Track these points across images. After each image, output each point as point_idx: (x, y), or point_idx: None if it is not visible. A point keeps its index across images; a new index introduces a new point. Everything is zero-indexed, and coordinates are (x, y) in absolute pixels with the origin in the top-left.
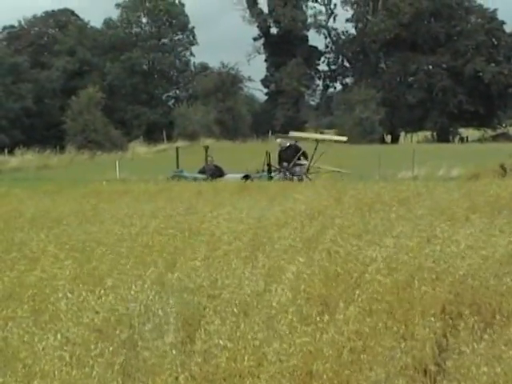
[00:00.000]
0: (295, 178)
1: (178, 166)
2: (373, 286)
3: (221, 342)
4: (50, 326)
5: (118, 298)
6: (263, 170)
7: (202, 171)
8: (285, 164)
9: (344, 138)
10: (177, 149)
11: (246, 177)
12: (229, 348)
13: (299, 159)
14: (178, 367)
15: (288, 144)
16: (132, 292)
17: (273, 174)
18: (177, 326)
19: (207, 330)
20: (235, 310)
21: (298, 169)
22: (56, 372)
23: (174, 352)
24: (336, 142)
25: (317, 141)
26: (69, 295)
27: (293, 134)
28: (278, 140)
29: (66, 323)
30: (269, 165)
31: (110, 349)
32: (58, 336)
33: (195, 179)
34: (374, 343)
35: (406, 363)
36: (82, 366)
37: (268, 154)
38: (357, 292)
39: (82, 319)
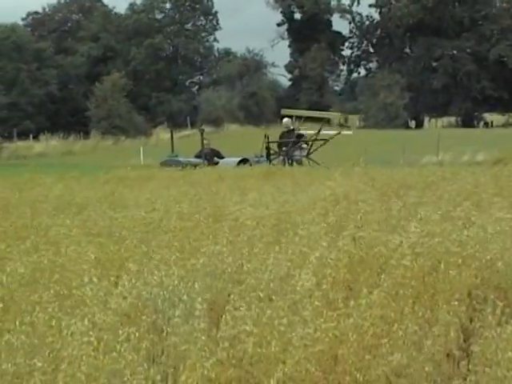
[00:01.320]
0: (295, 162)
1: (172, 150)
2: (398, 271)
3: (247, 327)
4: (76, 311)
5: (143, 283)
6: (261, 155)
7: (198, 155)
8: (284, 148)
9: (350, 132)
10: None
11: (244, 161)
12: (255, 333)
13: (300, 145)
14: (205, 352)
15: (292, 127)
16: (157, 277)
17: (272, 158)
18: (202, 311)
19: (233, 315)
20: (260, 294)
21: (297, 152)
22: (84, 357)
23: (200, 337)
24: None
25: (318, 119)
26: (94, 280)
27: (298, 111)
28: (285, 120)
29: (92, 308)
30: (267, 148)
31: (137, 334)
32: (85, 321)
33: (190, 164)
34: (396, 328)
35: (430, 348)
36: (109, 351)
37: (267, 137)
38: (382, 277)
39: (109, 304)
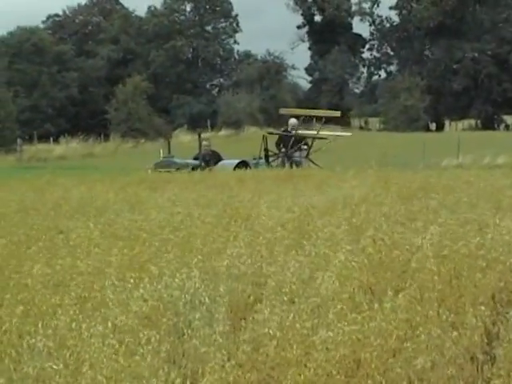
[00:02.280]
0: (294, 164)
1: (169, 151)
2: (422, 274)
3: (268, 330)
4: (98, 314)
5: (164, 286)
6: (260, 157)
7: (196, 157)
8: (283, 150)
9: (348, 134)
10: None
11: (243, 163)
12: (276, 336)
13: (299, 146)
14: (224, 355)
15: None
16: (178, 280)
17: (270, 160)
18: (224, 313)
19: (254, 318)
20: (283, 297)
21: (297, 154)
22: (104, 360)
23: (220, 340)
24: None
25: (315, 118)
26: (116, 283)
27: (297, 111)
28: (292, 121)
29: (113, 311)
30: (266, 149)
31: (157, 337)
32: (108, 323)
33: (187, 165)
34: (419, 332)
35: (453, 351)
36: (130, 354)
37: (265, 138)
38: (406, 280)
39: (130, 307)
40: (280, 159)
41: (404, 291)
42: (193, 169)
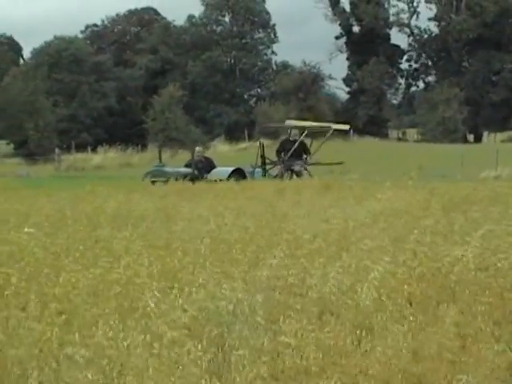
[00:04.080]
0: (294, 174)
1: (160, 160)
2: (469, 286)
3: (311, 341)
4: (137, 324)
5: (204, 296)
6: (258, 166)
7: (187, 165)
8: (282, 158)
9: (346, 127)
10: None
11: (238, 172)
12: (319, 347)
13: (299, 153)
14: (263, 365)
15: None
16: (218, 290)
17: (268, 168)
18: (264, 324)
19: (294, 328)
20: (322, 308)
21: (297, 162)
22: (145, 369)
23: (261, 350)
24: (337, 130)
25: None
26: (155, 293)
27: (289, 122)
28: (294, 131)
29: (154, 321)
30: (262, 157)
31: (199, 347)
32: (146, 333)
33: (179, 174)
34: (469, 344)
35: (500, 365)
36: (172, 364)
37: (261, 145)
38: (451, 292)
39: (170, 317)
40: (279, 168)
41: (453, 303)
42: (184, 177)
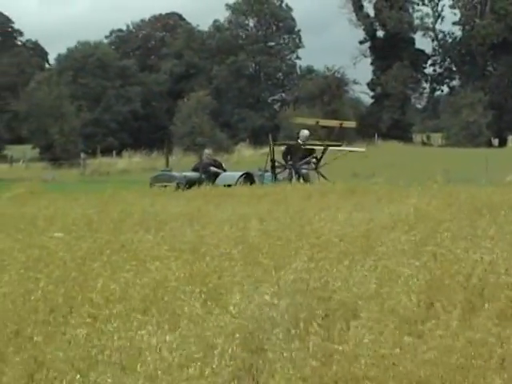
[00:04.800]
0: (302, 177)
1: (167, 165)
2: (496, 293)
3: (335, 345)
4: (169, 327)
5: (235, 300)
6: (266, 170)
7: (195, 169)
8: (290, 162)
9: (362, 149)
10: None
11: (247, 176)
12: (343, 351)
13: (308, 159)
14: (290, 369)
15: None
16: (250, 294)
17: (277, 171)
18: (291, 327)
19: (319, 332)
20: (347, 312)
21: (305, 166)
22: (180, 371)
23: (285, 354)
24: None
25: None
26: (182, 297)
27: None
28: (304, 132)
29: (187, 324)
30: (272, 161)
31: (229, 351)
32: (177, 334)
33: (187, 179)
34: (491, 350)
35: None
36: (206, 367)
37: (272, 149)
38: (480, 299)
39: (201, 320)
40: (287, 171)
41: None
42: (188, 183)
